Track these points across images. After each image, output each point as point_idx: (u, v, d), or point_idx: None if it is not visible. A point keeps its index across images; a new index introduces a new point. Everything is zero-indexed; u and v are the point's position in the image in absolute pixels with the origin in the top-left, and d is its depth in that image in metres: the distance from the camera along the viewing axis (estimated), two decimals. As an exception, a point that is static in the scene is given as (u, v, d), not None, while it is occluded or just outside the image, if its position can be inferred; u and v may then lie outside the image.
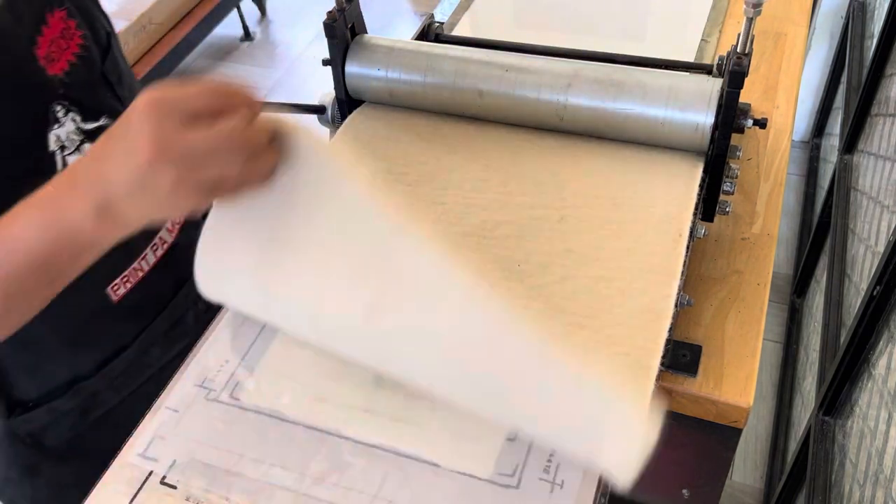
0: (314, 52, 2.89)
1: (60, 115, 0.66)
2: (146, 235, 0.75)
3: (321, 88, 0.85)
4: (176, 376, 0.62)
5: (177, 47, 2.48)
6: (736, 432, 0.71)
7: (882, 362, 0.95)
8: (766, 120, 0.72)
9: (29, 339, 0.63)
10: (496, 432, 0.55)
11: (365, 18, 0.81)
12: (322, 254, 0.54)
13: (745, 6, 0.62)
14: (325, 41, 0.78)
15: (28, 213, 0.49)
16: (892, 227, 1.03)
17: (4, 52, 0.61)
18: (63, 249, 0.49)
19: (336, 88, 0.81)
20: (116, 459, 0.56)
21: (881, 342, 0.97)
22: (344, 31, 0.78)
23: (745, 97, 0.67)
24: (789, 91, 0.99)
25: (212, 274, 0.58)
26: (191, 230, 0.79)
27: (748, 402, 0.67)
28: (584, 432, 0.49)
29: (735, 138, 0.71)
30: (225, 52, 2.96)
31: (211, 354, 0.63)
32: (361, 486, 0.53)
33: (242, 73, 2.83)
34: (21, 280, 0.50)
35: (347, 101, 0.81)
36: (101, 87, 0.71)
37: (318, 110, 0.84)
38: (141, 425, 0.59)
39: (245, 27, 3.03)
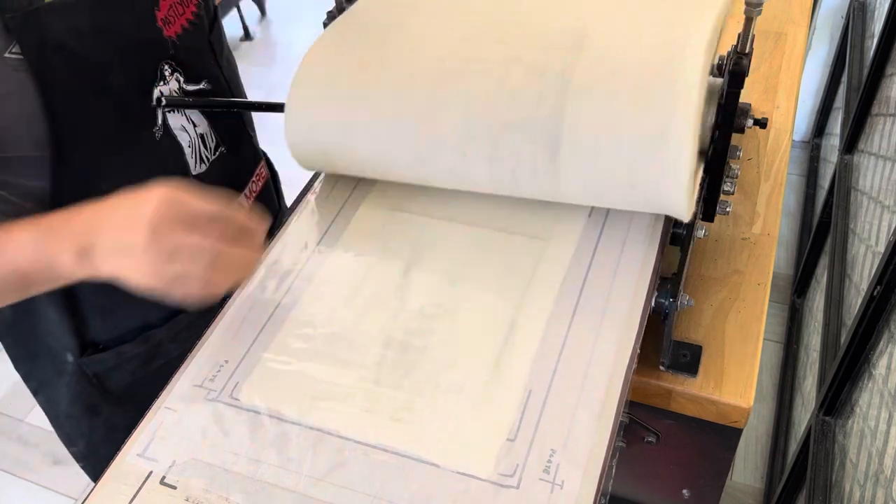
0: (314, 52, 2.88)
1: (167, 73, 0.73)
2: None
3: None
4: (175, 376, 0.62)
5: (177, 47, 2.48)
6: (736, 432, 0.71)
7: (882, 362, 0.95)
8: (766, 120, 0.72)
9: (109, 285, 0.67)
10: (496, 432, 0.55)
11: (365, 18, 0.81)
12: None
13: (745, 6, 0.62)
14: (324, 41, 0.78)
15: (24, 237, 0.57)
16: (893, 227, 1.03)
17: (130, 12, 0.69)
18: (41, 274, 0.58)
19: (336, 88, 0.81)
20: (116, 459, 0.56)
21: (881, 342, 0.96)
22: (344, 31, 0.78)
23: (745, 97, 0.67)
24: (789, 91, 0.99)
25: (303, 123, 0.69)
26: (265, 196, 0.89)
27: (748, 403, 0.67)
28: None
29: (735, 138, 0.71)
30: (225, 52, 2.96)
31: (211, 354, 0.63)
32: (361, 486, 0.53)
33: (242, 73, 2.83)
34: (6, 290, 0.59)
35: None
36: (206, 54, 0.79)
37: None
38: (140, 425, 0.58)
39: (245, 27, 3.03)
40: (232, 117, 0.80)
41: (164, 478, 0.55)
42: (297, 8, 3.18)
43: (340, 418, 0.57)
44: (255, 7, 3.13)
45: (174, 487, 0.54)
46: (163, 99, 0.73)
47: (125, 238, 0.55)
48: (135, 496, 0.54)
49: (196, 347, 0.64)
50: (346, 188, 0.77)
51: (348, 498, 0.53)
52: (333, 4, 0.78)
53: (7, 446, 1.81)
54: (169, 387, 0.61)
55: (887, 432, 0.87)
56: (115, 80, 0.68)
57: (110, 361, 0.82)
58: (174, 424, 0.58)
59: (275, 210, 0.93)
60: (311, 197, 0.76)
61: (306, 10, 3.15)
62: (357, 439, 0.56)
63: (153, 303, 0.75)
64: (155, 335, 0.82)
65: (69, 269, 0.57)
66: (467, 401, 0.58)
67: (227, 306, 0.67)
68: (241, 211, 0.59)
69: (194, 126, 0.78)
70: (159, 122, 0.74)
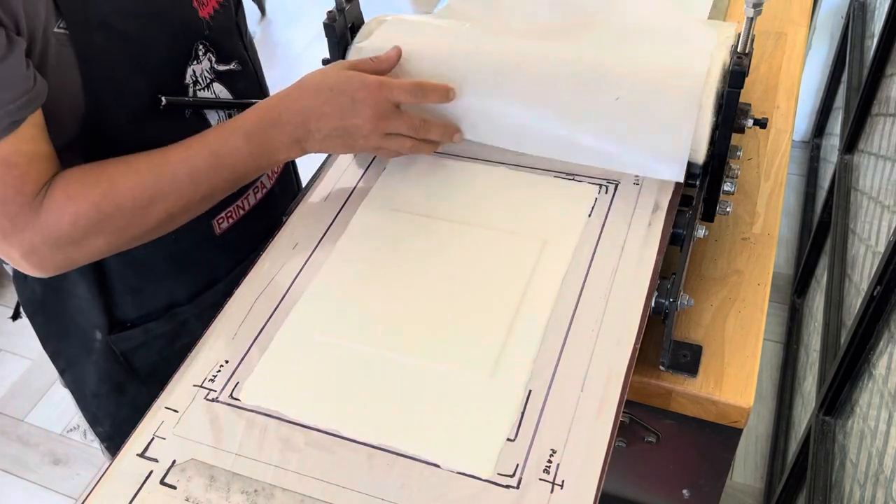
0: (314, 52, 2.89)
1: (200, 53, 0.75)
2: None
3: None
4: (175, 376, 0.62)
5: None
6: (736, 432, 0.71)
7: (882, 362, 0.95)
8: (766, 120, 0.72)
9: (139, 261, 0.78)
10: (496, 432, 0.55)
11: (365, 18, 0.81)
12: None
13: (745, 6, 0.62)
14: (325, 41, 0.78)
15: (238, 144, 0.67)
16: (893, 227, 1.03)
17: None
18: (255, 171, 0.70)
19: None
20: (116, 459, 0.56)
21: (881, 342, 0.96)
22: (344, 31, 0.78)
23: (745, 97, 0.67)
24: (789, 91, 0.99)
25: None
26: (286, 179, 0.93)
27: (748, 402, 0.67)
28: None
29: (735, 138, 0.71)
30: (225, 52, 2.96)
31: (211, 354, 0.63)
32: (361, 486, 0.53)
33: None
34: (222, 187, 0.69)
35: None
36: (234, 35, 0.82)
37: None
38: (141, 425, 0.59)
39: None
40: (255, 98, 0.82)
41: (164, 478, 0.55)
42: (297, 8, 3.18)
43: (340, 418, 0.57)
44: (255, 7, 3.13)
45: (174, 487, 0.54)
46: (198, 80, 0.76)
47: (349, 125, 0.68)
48: (135, 496, 0.54)
49: (196, 347, 0.64)
50: (345, 188, 0.77)
51: (348, 498, 0.53)
52: (333, 4, 0.78)
53: (7, 446, 1.81)
54: (169, 387, 0.61)
55: (887, 432, 0.87)
56: (152, 59, 0.70)
57: (138, 339, 0.83)
58: (174, 424, 0.58)
59: (293, 192, 0.95)
60: (311, 197, 0.77)
61: (306, 10, 3.15)
62: (357, 439, 0.56)
63: (180, 280, 0.84)
64: (181, 313, 0.84)
65: (283, 157, 0.69)
66: (467, 401, 0.58)
67: (227, 306, 0.67)
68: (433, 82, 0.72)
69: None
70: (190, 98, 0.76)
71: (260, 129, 0.68)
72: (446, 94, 0.73)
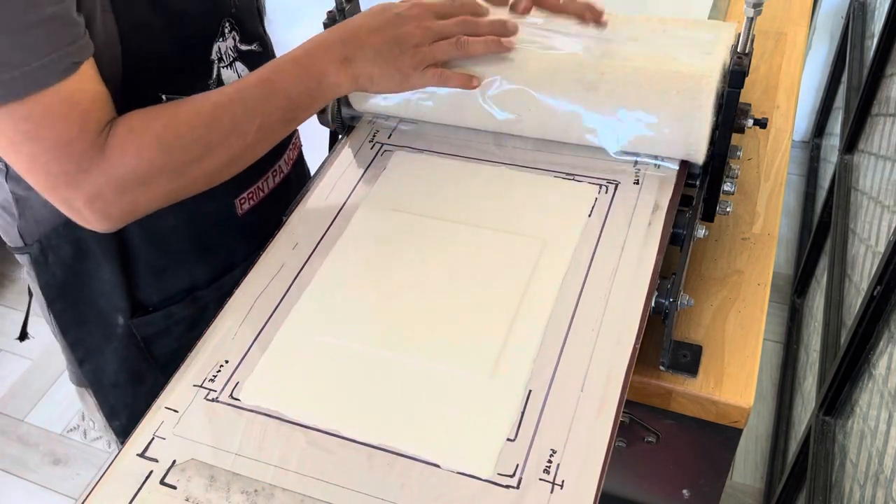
0: (314, 52, 2.89)
1: (227, 30, 0.77)
2: (270, 159, 0.87)
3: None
4: (176, 376, 0.62)
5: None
6: (736, 432, 0.71)
7: (882, 362, 0.95)
8: (766, 120, 0.72)
9: (163, 241, 0.79)
10: (496, 432, 0.55)
11: (365, 18, 0.81)
12: None
13: (745, 6, 0.62)
14: (325, 41, 0.78)
15: (287, 68, 0.68)
16: (893, 227, 1.03)
17: None
18: (310, 95, 0.69)
19: (336, 88, 0.81)
20: (116, 459, 0.56)
21: (881, 342, 0.96)
22: (344, 31, 0.78)
23: (745, 97, 0.67)
24: (789, 91, 0.99)
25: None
26: (300, 167, 0.95)
27: (748, 402, 0.67)
28: None
29: (735, 138, 0.71)
30: (225, 52, 2.96)
31: (211, 354, 0.63)
32: (361, 486, 0.53)
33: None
34: (276, 118, 0.68)
35: (347, 102, 0.81)
36: (257, 17, 0.83)
37: (318, 110, 0.84)
38: (140, 425, 0.59)
39: (245, 27, 3.03)
40: None
41: (164, 478, 0.55)
42: (297, 8, 3.18)
43: (340, 418, 0.57)
44: (254, 7, 3.14)
45: (174, 487, 0.54)
46: (222, 57, 0.77)
47: (393, 36, 0.69)
48: (135, 496, 0.54)
49: (196, 347, 0.64)
50: (345, 188, 0.77)
51: (348, 498, 0.53)
52: (333, 4, 0.78)
53: (7, 446, 1.81)
54: (169, 387, 0.61)
55: (887, 432, 0.87)
56: (185, 30, 0.72)
57: (160, 323, 0.83)
58: (174, 424, 0.58)
59: (305, 182, 0.97)
60: (311, 197, 0.77)
61: (306, 10, 3.15)
62: (357, 439, 0.56)
63: (201, 262, 0.85)
64: (201, 297, 0.85)
65: (333, 80, 0.69)
66: (467, 401, 0.58)
67: (227, 306, 0.67)
68: None
69: None
70: (214, 75, 0.77)
71: (308, 52, 0.69)
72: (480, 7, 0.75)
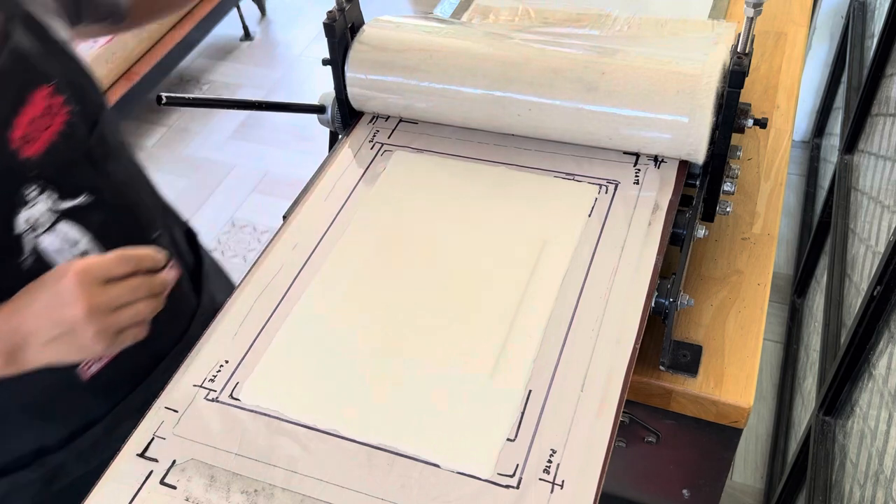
0: (314, 52, 2.88)
1: (32, 195, 0.65)
2: None
3: (321, 88, 0.86)
4: (175, 376, 0.62)
5: (177, 47, 2.48)
6: (736, 432, 0.71)
7: (882, 362, 0.95)
8: (766, 120, 0.72)
9: None
10: (496, 432, 0.55)
11: (365, 18, 0.81)
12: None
13: (745, 6, 0.62)
14: (325, 41, 0.78)
15: None
16: (893, 227, 1.03)
17: None
18: None
19: (336, 88, 0.81)
20: (116, 459, 0.56)
21: (881, 342, 0.96)
22: (344, 31, 0.78)
23: (745, 97, 0.67)
24: (789, 91, 0.99)
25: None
26: (176, 294, 0.74)
27: (748, 402, 0.67)
28: None
29: (735, 138, 0.71)
30: (225, 51, 2.96)
31: (211, 354, 0.63)
32: (361, 486, 0.53)
33: (242, 73, 2.83)
34: None
35: (347, 102, 0.81)
36: (84, 165, 0.70)
37: (318, 110, 0.84)
38: (141, 425, 0.58)
39: (245, 27, 3.03)
40: (126, 221, 0.74)
41: (164, 478, 0.55)
42: (297, 8, 3.18)
43: (340, 418, 0.57)
44: (255, 7, 3.13)
45: (174, 487, 0.54)
46: (36, 225, 0.67)
47: (61, 319, 0.59)
48: (135, 496, 0.54)
49: (196, 347, 0.64)
50: (345, 188, 0.77)
51: (348, 498, 0.53)
52: (333, 4, 0.78)
53: None
54: (169, 387, 0.61)
55: (887, 432, 0.87)
56: None
57: (4, 488, 0.75)
58: (174, 424, 0.58)
59: (191, 305, 0.85)
60: (311, 197, 0.76)
61: (306, 10, 3.15)
62: (357, 439, 0.56)
63: (46, 429, 0.76)
64: (53, 459, 0.76)
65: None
66: (467, 401, 0.58)
67: (227, 306, 0.67)
68: (138, 249, 0.62)
69: (73, 245, 0.70)
70: (27, 250, 0.66)
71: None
72: (155, 261, 0.63)
